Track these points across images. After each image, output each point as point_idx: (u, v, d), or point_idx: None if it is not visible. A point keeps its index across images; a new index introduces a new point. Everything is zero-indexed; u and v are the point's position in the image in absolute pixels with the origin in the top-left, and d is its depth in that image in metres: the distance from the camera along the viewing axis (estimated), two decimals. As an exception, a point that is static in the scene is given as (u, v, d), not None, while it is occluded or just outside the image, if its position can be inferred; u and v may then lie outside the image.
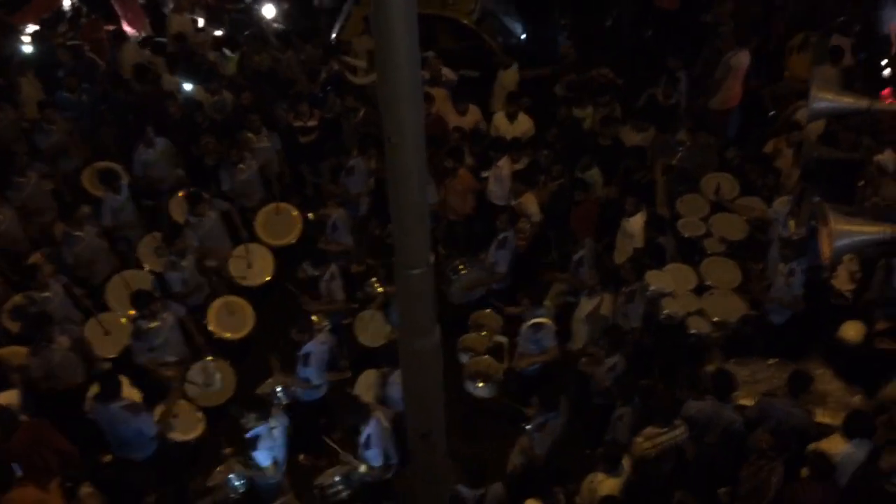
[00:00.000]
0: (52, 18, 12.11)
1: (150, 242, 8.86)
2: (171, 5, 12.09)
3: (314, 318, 7.82)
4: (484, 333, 8.04)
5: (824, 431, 6.64)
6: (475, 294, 8.66)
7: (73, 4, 12.68)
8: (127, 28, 12.35)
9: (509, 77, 10.56)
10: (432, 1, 11.03)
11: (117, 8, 12.45)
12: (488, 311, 8.29)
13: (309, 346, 7.49)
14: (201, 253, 8.67)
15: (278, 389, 7.54)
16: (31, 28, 11.75)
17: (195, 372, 7.89)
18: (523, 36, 11.99)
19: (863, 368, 7.42)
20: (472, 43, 11.14)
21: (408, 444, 6.60)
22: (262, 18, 11.80)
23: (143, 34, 12.12)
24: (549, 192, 9.14)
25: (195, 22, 11.82)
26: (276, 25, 11.66)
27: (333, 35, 11.52)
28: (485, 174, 9.18)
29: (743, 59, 10.31)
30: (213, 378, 7.97)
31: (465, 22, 11.14)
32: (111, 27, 12.07)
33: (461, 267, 8.63)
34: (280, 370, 7.59)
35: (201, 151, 9.54)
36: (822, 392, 7.17)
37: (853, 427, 6.33)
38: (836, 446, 6.35)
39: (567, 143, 9.70)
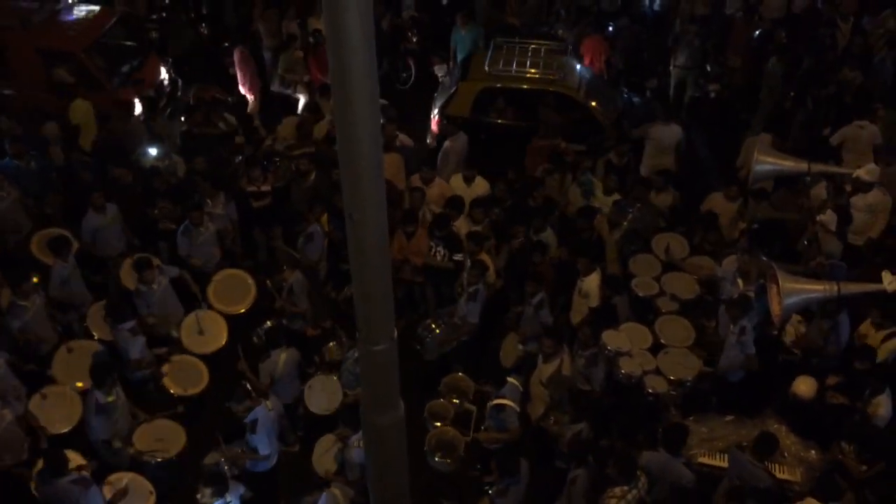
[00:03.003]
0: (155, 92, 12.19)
1: (100, 311, 8.65)
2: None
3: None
4: (455, 400, 7.98)
5: (784, 488, 6.71)
6: (448, 348, 8.67)
7: (171, 78, 12.80)
8: (245, 92, 12.78)
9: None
10: (537, 77, 11.23)
11: (239, 73, 12.71)
12: (460, 374, 8.25)
13: (256, 412, 7.33)
14: (154, 320, 8.52)
15: (223, 460, 7.35)
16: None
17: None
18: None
19: (816, 423, 7.57)
20: (577, 116, 11.18)
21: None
22: None
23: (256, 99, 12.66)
24: (504, 255, 9.25)
25: None
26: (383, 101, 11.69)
27: (435, 110, 11.63)
28: (458, 256, 9.15)
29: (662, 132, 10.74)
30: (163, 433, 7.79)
31: (574, 96, 11.25)
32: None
33: (433, 325, 8.60)
34: (225, 445, 7.40)
35: (157, 216, 9.44)
36: (780, 447, 7.27)
37: (826, 491, 6.42)
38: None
39: (517, 201, 9.87)
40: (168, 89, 12.69)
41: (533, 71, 11.35)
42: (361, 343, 5.22)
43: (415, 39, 13.86)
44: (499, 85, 11.36)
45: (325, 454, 7.58)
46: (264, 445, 7.36)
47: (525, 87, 11.35)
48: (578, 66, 11.98)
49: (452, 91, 11.64)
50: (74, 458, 7.10)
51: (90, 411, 7.43)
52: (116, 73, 12.12)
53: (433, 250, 9.23)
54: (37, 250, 9.21)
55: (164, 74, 12.75)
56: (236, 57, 12.70)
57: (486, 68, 11.41)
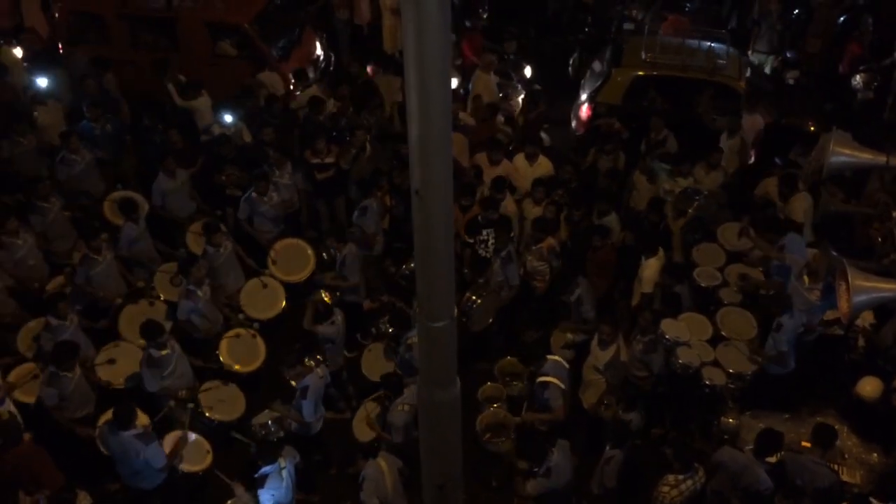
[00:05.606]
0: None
1: (167, 272, 8.89)
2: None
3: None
4: (515, 383, 7.96)
5: (844, 490, 6.54)
6: (493, 317, 8.62)
7: (324, 52, 12.77)
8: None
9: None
10: (698, 66, 10.68)
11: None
12: (513, 359, 8.20)
13: (307, 380, 7.49)
14: (215, 283, 8.68)
15: (270, 422, 7.54)
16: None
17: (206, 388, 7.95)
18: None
19: (880, 425, 7.34)
20: (737, 107, 10.56)
21: (422, 494, 6.48)
22: (522, 77, 12.00)
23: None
24: (567, 233, 9.16)
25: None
26: (536, 87, 11.78)
27: (583, 96, 11.29)
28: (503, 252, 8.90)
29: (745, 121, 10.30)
30: (223, 393, 8.01)
31: (736, 87, 10.68)
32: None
33: (474, 297, 8.46)
34: (277, 402, 7.63)
35: (224, 182, 9.63)
36: (840, 448, 7.09)
37: (887, 493, 6.22)
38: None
39: (583, 186, 9.75)
40: (322, 64, 12.63)
41: (693, 59, 10.71)
42: (421, 319, 5.24)
43: (485, 16, 13.72)
44: (655, 73, 10.79)
45: (361, 421, 7.69)
46: (310, 412, 7.52)
47: (684, 75, 10.76)
48: (738, 55, 11.27)
49: (604, 78, 11.14)
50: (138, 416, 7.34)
51: (143, 365, 7.67)
52: (277, 46, 11.94)
53: (478, 241, 9.01)
54: (108, 212, 9.51)
55: (318, 50, 12.68)
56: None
57: (643, 55, 10.87)
